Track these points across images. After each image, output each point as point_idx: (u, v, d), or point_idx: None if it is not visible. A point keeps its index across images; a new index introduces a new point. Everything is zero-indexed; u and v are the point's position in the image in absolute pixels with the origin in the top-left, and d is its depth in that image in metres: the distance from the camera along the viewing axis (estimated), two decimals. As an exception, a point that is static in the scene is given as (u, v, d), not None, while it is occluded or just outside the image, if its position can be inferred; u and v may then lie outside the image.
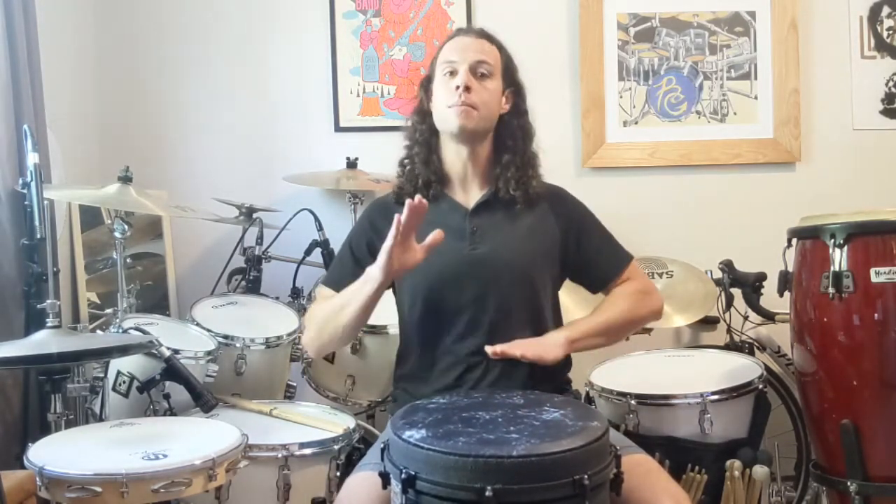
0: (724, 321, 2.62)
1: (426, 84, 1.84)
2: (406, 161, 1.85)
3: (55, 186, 2.31)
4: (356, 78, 2.95)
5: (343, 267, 1.84)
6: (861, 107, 2.97)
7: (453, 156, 1.80)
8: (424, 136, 1.82)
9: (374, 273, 1.63)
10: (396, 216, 1.57)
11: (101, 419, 1.92)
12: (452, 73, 1.75)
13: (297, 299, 2.58)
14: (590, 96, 2.94)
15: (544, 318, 1.80)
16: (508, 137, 1.81)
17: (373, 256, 1.79)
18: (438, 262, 1.72)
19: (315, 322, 1.78)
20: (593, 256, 1.84)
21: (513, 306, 1.74)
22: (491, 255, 1.75)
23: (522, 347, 1.66)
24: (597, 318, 1.77)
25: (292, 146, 2.96)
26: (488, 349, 1.67)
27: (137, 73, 2.94)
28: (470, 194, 1.82)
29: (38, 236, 1.77)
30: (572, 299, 2.34)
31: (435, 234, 1.60)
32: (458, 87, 1.72)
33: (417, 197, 1.57)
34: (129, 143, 2.91)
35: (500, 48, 1.82)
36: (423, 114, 1.83)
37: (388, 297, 1.84)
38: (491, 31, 1.84)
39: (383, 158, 2.74)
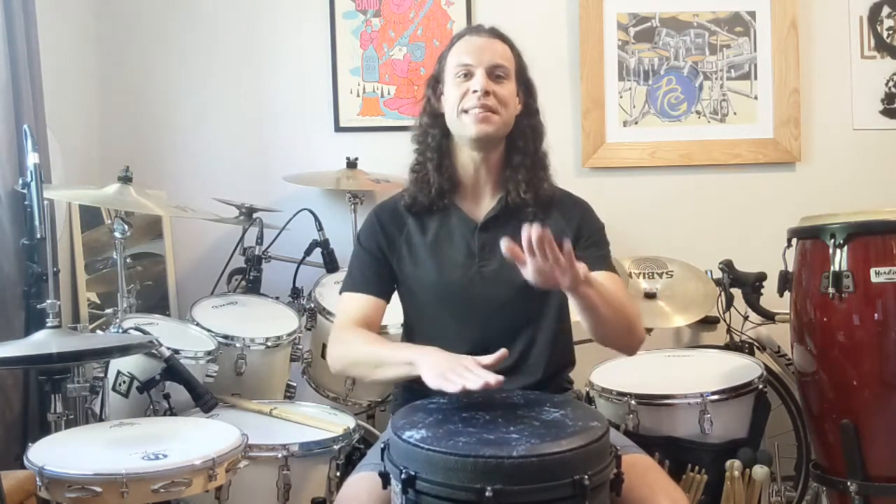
0: (724, 321, 2.62)
1: (433, 84, 1.77)
2: (417, 167, 1.77)
3: (55, 186, 2.31)
4: (356, 78, 2.95)
5: (363, 267, 1.76)
6: (861, 107, 2.97)
7: (466, 161, 1.74)
8: (437, 140, 1.74)
9: (420, 375, 1.49)
10: (485, 381, 1.38)
11: (101, 419, 1.92)
12: (467, 76, 1.68)
13: (297, 299, 2.57)
14: (590, 96, 2.94)
15: (552, 331, 1.74)
16: (520, 138, 1.74)
17: (385, 255, 1.75)
18: (446, 278, 1.70)
19: (347, 357, 1.68)
20: (581, 255, 1.66)
21: (521, 323, 1.70)
22: (499, 272, 1.69)
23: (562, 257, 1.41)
24: (607, 288, 1.60)
25: (292, 146, 2.95)
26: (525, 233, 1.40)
27: (137, 74, 2.93)
28: (481, 204, 1.76)
29: (38, 236, 1.77)
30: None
31: (500, 355, 1.46)
32: (475, 91, 1.65)
33: (497, 379, 1.39)
34: (129, 143, 2.91)
35: (512, 47, 1.76)
36: (434, 115, 1.75)
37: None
38: (501, 28, 1.78)
39: (383, 158, 2.76)
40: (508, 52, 1.74)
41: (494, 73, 1.68)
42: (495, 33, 1.75)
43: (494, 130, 1.68)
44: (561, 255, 1.40)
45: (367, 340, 1.66)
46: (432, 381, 1.45)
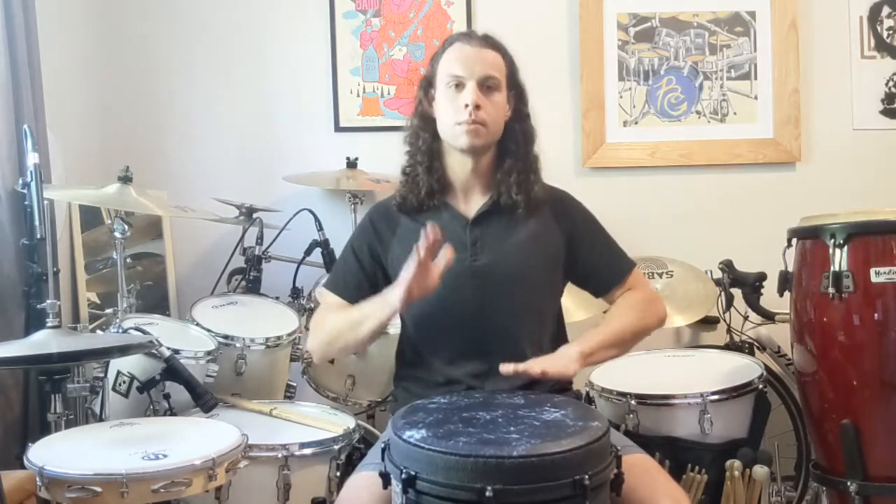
0: (724, 321, 2.62)
1: (426, 86, 1.79)
2: (408, 168, 1.81)
3: (55, 186, 2.31)
4: (356, 78, 2.95)
5: (347, 272, 1.82)
6: (861, 107, 2.97)
7: (457, 164, 1.77)
8: (427, 144, 1.77)
9: (392, 301, 1.61)
10: (416, 247, 1.54)
11: (101, 419, 1.92)
12: (459, 87, 1.70)
13: (297, 299, 2.58)
14: (590, 96, 2.94)
15: (546, 330, 1.78)
16: (511, 142, 1.77)
17: (375, 261, 1.80)
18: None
19: (325, 332, 1.77)
20: (596, 263, 1.81)
21: (514, 318, 1.71)
22: (492, 266, 1.72)
23: (543, 364, 1.58)
24: (607, 329, 1.73)
25: (292, 146, 2.95)
26: (503, 368, 1.57)
27: (137, 73, 2.93)
28: (471, 202, 1.79)
29: (38, 236, 1.76)
30: (573, 301, 2.35)
31: (447, 254, 1.57)
32: (467, 106, 1.67)
33: (431, 226, 1.54)
34: (129, 143, 2.91)
35: (504, 54, 1.77)
36: (425, 118, 1.78)
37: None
38: (492, 34, 1.79)
39: (383, 158, 2.75)
40: (500, 61, 1.75)
41: (486, 85, 1.70)
42: (487, 42, 1.75)
43: (484, 142, 1.72)
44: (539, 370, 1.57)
45: (339, 313, 1.77)
46: (399, 292, 1.57)
